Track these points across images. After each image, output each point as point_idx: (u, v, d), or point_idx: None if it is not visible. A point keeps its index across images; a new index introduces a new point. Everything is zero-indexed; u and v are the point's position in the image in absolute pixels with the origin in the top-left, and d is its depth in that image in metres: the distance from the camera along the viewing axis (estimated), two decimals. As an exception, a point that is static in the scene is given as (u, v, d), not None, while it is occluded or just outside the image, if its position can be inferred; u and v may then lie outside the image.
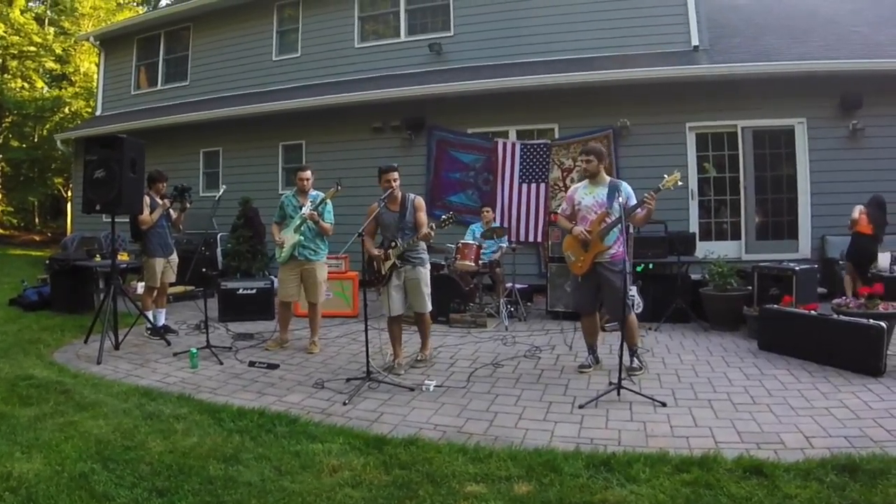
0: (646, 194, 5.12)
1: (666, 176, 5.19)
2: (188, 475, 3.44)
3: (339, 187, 6.42)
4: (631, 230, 6.96)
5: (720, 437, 3.95)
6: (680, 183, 5.21)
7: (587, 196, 5.49)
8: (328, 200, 6.53)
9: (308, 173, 6.67)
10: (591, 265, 5.43)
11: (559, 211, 5.92)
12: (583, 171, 5.61)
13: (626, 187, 5.38)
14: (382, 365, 5.83)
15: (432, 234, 5.52)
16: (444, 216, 5.55)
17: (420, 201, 5.79)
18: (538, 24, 11.18)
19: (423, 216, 5.69)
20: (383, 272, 5.75)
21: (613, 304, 5.47)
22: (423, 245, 5.82)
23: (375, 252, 5.74)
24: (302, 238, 6.50)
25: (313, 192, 6.70)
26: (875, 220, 7.71)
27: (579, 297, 5.85)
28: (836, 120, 9.26)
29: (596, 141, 9.88)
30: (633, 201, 5.30)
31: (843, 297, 6.22)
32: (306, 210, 6.46)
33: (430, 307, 5.90)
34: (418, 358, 6.06)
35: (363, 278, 5.86)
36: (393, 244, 5.71)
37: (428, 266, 5.91)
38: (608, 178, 5.52)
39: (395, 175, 5.71)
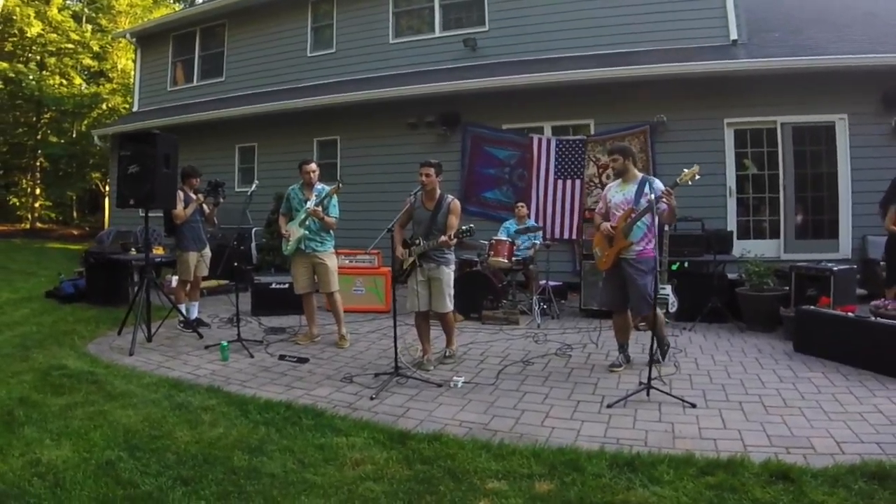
0: (662, 190, 5.16)
1: (685, 170, 5.15)
2: (213, 465, 3.49)
3: (342, 184, 6.52)
4: (666, 228, 6.86)
5: (749, 440, 3.86)
6: (698, 177, 5.13)
7: (617, 194, 5.51)
8: (333, 195, 6.56)
9: (314, 166, 6.69)
10: (616, 261, 5.44)
11: (596, 210, 5.93)
12: (612, 170, 5.65)
13: (654, 183, 5.33)
14: (411, 361, 5.84)
15: (451, 243, 5.47)
16: (464, 228, 5.44)
17: (456, 205, 5.67)
18: (573, 18, 11.04)
19: (454, 220, 5.59)
20: (404, 268, 5.77)
21: (636, 301, 5.40)
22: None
23: (399, 250, 5.73)
24: (307, 232, 6.54)
25: (319, 186, 6.71)
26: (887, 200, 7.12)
27: (605, 294, 5.86)
28: (878, 116, 8.94)
29: (633, 137, 9.80)
30: None
31: (882, 300, 6.02)
32: (310, 205, 6.48)
33: (450, 307, 5.80)
34: (446, 354, 6.04)
35: (393, 274, 5.86)
36: (416, 242, 5.70)
37: (452, 266, 5.85)
38: (639, 175, 5.50)
39: (430, 171, 5.65)
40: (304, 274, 6.70)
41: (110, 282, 8.78)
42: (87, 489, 3.16)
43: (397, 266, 5.79)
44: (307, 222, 6.53)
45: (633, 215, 5.28)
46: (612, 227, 5.45)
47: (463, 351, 6.35)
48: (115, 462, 3.48)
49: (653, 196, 5.07)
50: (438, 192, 5.75)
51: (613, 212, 5.53)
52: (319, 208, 6.43)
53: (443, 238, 5.45)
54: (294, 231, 6.58)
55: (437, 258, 5.68)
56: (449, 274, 5.75)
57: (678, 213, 5.59)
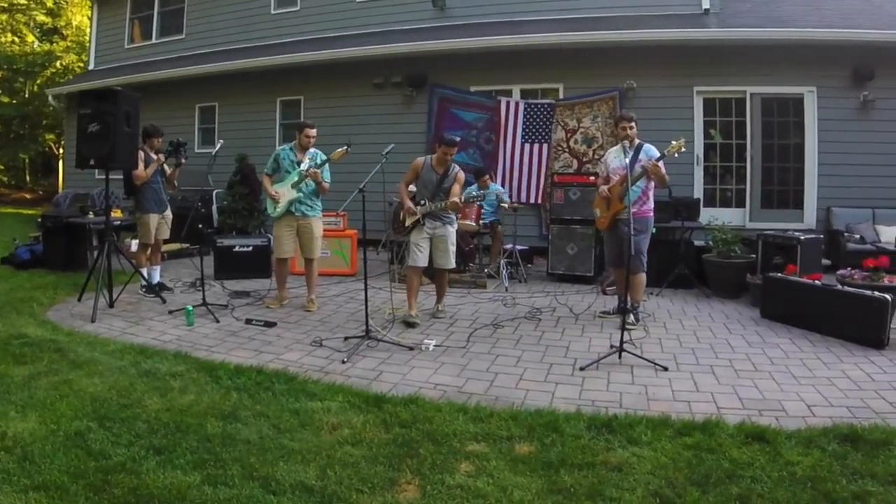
0: (648, 163, 5.63)
1: (673, 142, 5.48)
2: (186, 433, 3.40)
3: (349, 148, 6.33)
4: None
5: (722, 403, 3.93)
6: (683, 149, 5.51)
7: (615, 160, 5.96)
8: (334, 159, 6.37)
9: (315, 132, 6.52)
10: (612, 222, 5.97)
11: (598, 172, 6.58)
12: (625, 137, 5.78)
13: (648, 149, 5.79)
14: (398, 317, 6.00)
15: (460, 204, 5.91)
16: (474, 194, 6.29)
17: (462, 175, 6.10)
18: (545, -20, 10.86)
19: (457, 189, 5.96)
20: (406, 224, 6.05)
21: (630, 259, 5.52)
22: None
23: (409, 203, 6.03)
24: (300, 195, 6.39)
25: (312, 150, 6.55)
26: None
27: (607, 252, 6.44)
28: (846, 90, 9.06)
29: (602, 102, 9.86)
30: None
31: (848, 269, 6.17)
32: (305, 166, 6.32)
33: (453, 264, 6.29)
34: (438, 309, 6.35)
35: (363, 236, 5.78)
36: (423, 202, 5.96)
37: (456, 226, 6.27)
38: (637, 142, 5.86)
39: (453, 152, 6.04)
40: (290, 237, 6.56)
41: (69, 246, 8.45)
42: (58, 462, 3.03)
43: (400, 220, 6.17)
44: (301, 185, 6.36)
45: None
46: (608, 190, 5.91)
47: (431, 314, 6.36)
48: (84, 433, 3.35)
49: (645, 163, 5.63)
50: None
51: (611, 176, 5.99)
52: (318, 171, 6.27)
53: (454, 199, 5.81)
54: (285, 193, 6.40)
55: (442, 218, 6.05)
56: (453, 233, 6.17)
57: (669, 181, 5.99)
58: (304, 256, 6.70)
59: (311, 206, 6.52)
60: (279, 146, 6.64)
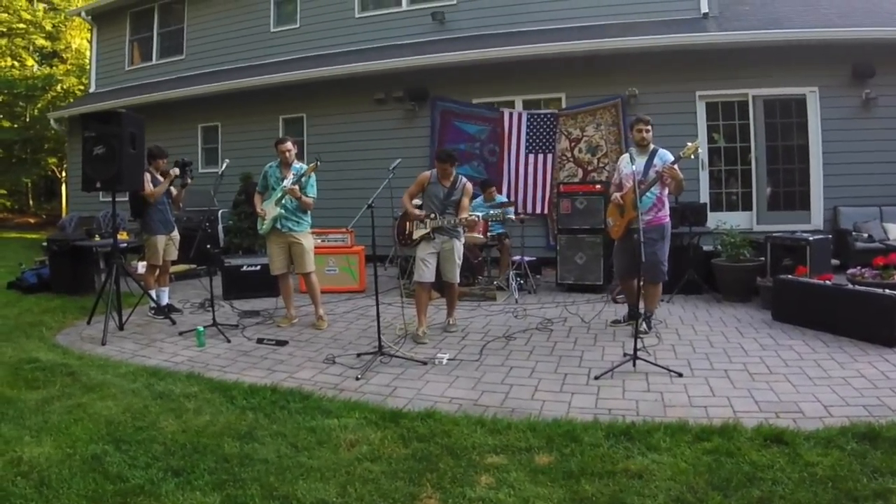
0: (664, 167, 5.50)
1: (689, 144, 5.42)
2: (203, 454, 3.38)
3: (319, 162, 6.39)
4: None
5: (738, 407, 3.91)
6: (700, 150, 5.35)
7: (628, 165, 5.68)
8: (311, 174, 6.42)
9: (289, 144, 6.52)
10: (626, 230, 5.75)
11: (612, 180, 6.27)
12: (640, 140, 5.75)
13: (663, 154, 5.66)
14: (406, 333, 5.97)
15: (476, 220, 5.94)
16: (492, 212, 6.30)
17: (470, 188, 6.10)
18: (544, -10, 10.91)
19: (466, 201, 5.99)
20: (414, 237, 6.02)
21: (647, 268, 5.38)
22: None
23: (416, 211, 6.01)
24: (283, 211, 6.40)
25: (297, 164, 6.58)
26: None
27: (619, 262, 6.13)
28: (848, 89, 9.07)
29: (605, 110, 9.87)
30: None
31: (858, 268, 6.15)
32: (287, 183, 6.33)
33: (458, 278, 6.19)
34: (449, 323, 6.32)
35: (372, 252, 5.77)
36: (432, 216, 5.90)
37: (463, 239, 6.21)
38: (652, 147, 5.75)
39: (450, 167, 6.00)
40: (280, 254, 6.56)
41: (75, 270, 8.45)
42: (76, 486, 3.01)
43: (407, 233, 6.14)
44: (283, 201, 6.37)
45: (642, 187, 5.42)
46: (621, 197, 5.74)
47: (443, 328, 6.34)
48: (100, 456, 3.33)
49: (660, 167, 5.49)
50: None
51: (624, 182, 5.81)
52: (296, 187, 6.28)
53: (471, 216, 5.94)
54: (270, 210, 6.42)
55: (450, 232, 5.97)
56: (460, 246, 6.10)
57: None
58: (298, 272, 6.71)
59: (298, 222, 6.52)
60: (268, 164, 6.64)
